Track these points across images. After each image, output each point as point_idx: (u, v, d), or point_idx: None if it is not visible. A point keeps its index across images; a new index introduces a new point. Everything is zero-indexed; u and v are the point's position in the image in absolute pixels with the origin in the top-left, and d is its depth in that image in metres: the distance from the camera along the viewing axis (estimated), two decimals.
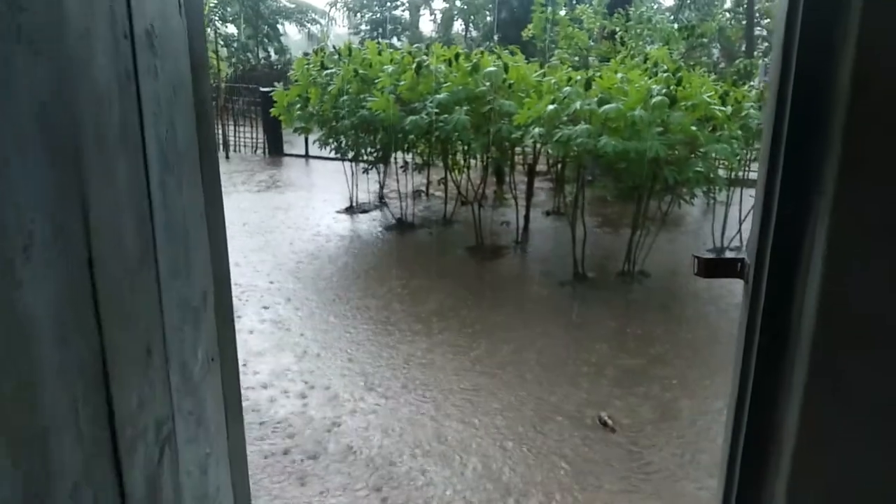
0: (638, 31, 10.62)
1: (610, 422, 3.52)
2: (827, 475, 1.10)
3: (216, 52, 24.32)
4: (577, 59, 10.21)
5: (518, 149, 7.91)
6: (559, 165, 7.50)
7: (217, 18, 22.86)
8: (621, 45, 10.40)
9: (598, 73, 5.62)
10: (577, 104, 5.01)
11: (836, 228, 1.03)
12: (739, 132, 5.39)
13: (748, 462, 1.21)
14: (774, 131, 1.14)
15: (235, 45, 24.04)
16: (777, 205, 1.13)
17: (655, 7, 16.79)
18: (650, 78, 5.76)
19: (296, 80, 8.03)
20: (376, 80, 6.93)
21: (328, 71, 7.67)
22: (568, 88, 5.31)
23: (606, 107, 4.83)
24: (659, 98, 4.89)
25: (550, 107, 5.22)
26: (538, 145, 6.43)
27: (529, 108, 5.43)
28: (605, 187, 8.02)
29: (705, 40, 12.36)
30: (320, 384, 4.05)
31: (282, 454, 3.29)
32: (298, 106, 8.01)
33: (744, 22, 22.65)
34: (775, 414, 1.16)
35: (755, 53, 20.74)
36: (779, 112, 1.13)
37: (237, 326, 4.86)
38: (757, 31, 21.67)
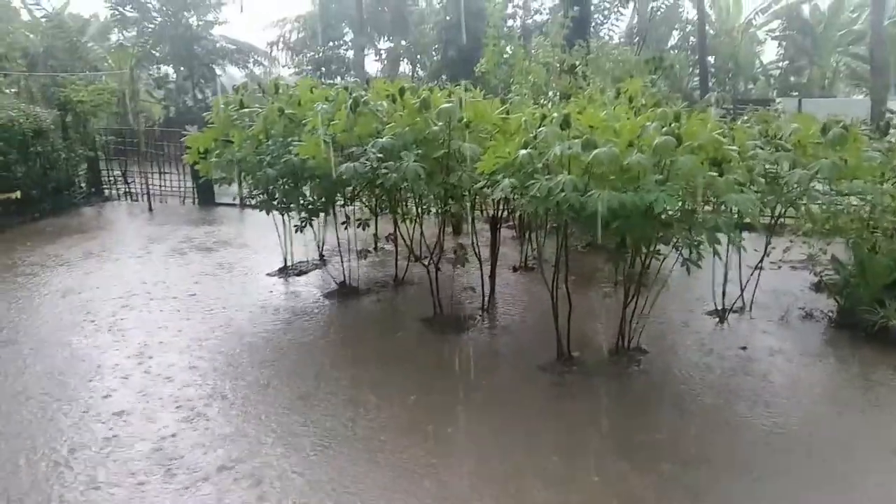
0: (600, 64, 9.77)
1: None
2: None
3: (149, 93, 22.92)
4: (538, 95, 9.26)
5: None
6: (525, 213, 6.40)
7: (147, 63, 21.46)
8: (583, 79, 9.51)
9: (578, 110, 4.57)
10: (558, 148, 3.90)
11: None
12: (763, 180, 4.39)
13: None
14: None
15: (171, 86, 22.61)
16: None
17: (612, 41, 16.26)
18: (635, 114, 4.74)
19: (210, 122, 6.75)
20: (305, 122, 5.74)
21: (246, 110, 6.44)
22: (543, 128, 4.21)
23: (600, 151, 3.73)
24: (663, 139, 3.82)
25: (523, 151, 4.10)
26: (508, 199, 5.29)
27: (496, 152, 4.30)
28: (565, 235, 6.99)
29: (657, 74, 11.64)
30: None
31: None
32: (217, 152, 6.74)
33: (694, 56, 22.51)
34: None
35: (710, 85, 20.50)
36: None
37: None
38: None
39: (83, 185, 12.34)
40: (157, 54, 22.19)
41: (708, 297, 6.05)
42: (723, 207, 4.27)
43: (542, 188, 3.90)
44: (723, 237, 4.17)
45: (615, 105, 5.17)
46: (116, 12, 21.58)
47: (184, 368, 4.83)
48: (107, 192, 12.73)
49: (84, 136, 11.98)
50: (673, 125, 4.09)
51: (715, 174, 3.95)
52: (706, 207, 4.26)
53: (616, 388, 4.47)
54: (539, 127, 4.34)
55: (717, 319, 5.77)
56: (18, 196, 9.81)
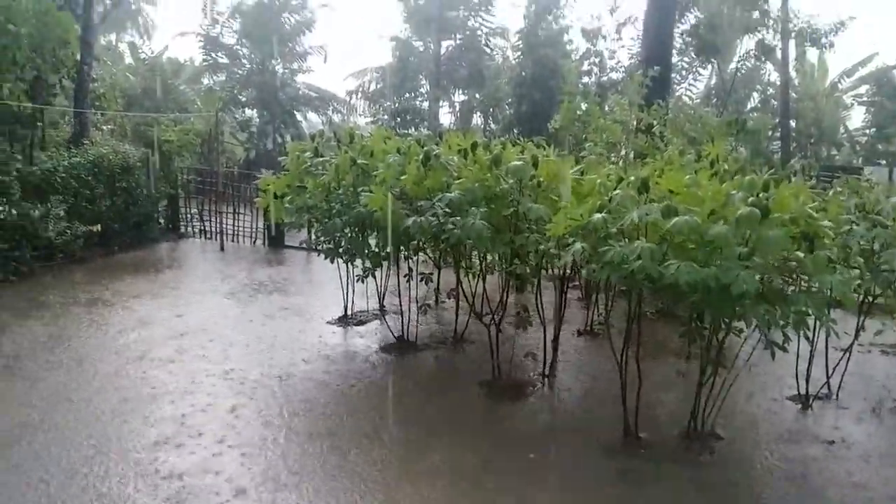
0: (678, 124, 9.50)
1: None
2: None
3: (233, 135, 23.99)
4: (611, 153, 9.07)
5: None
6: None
7: (233, 106, 22.50)
8: (660, 139, 9.26)
9: (656, 173, 4.35)
10: (635, 214, 3.69)
11: None
12: (860, 259, 4.04)
13: None
14: None
15: (253, 129, 23.57)
16: None
17: (690, 102, 15.95)
18: (720, 181, 4.47)
19: (284, 169, 6.87)
20: (376, 172, 5.73)
21: (320, 159, 6.51)
22: (619, 191, 4.02)
23: (680, 220, 3.50)
24: (747, 209, 3.56)
25: (597, 215, 3.91)
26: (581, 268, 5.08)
27: (568, 215, 4.12)
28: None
29: (739, 138, 11.19)
30: None
31: None
32: (289, 197, 6.85)
33: (775, 119, 21.84)
34: None
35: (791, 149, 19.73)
36: None
37: None
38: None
39: (161, 220, 12.82)
40: (243, 98, 23.23)
41: (790, 380, 5.60)
42: (814, 287, 3.93)
43: (617, 255, 3.68)
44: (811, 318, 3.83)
45: (697, 169, 4.91)
46: (209, 58, 22.83)
47: (227, 410, 4.77)
48: (183, 228, 13.18)
49: (167, 174, 12.51)
50: (761, 195, 3.82)
51: (802, 253, 3.63)
52: (791, 287, 3.93)
53: (687, 478, 4.09)
54: (615, 189, 4.14)
55: (801, 406, 5.30)
56: (99, 229, 10.26)
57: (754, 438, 4.71)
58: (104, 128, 17.13)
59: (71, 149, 10.91)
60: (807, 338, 4.04)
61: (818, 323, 3.93)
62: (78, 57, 11.70)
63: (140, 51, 25.17)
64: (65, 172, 9.81)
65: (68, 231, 9.46)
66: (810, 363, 5.42)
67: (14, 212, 8.65)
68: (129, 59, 25.69)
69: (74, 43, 10.93)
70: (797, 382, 5.39)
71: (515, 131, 19.88)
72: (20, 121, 10.03)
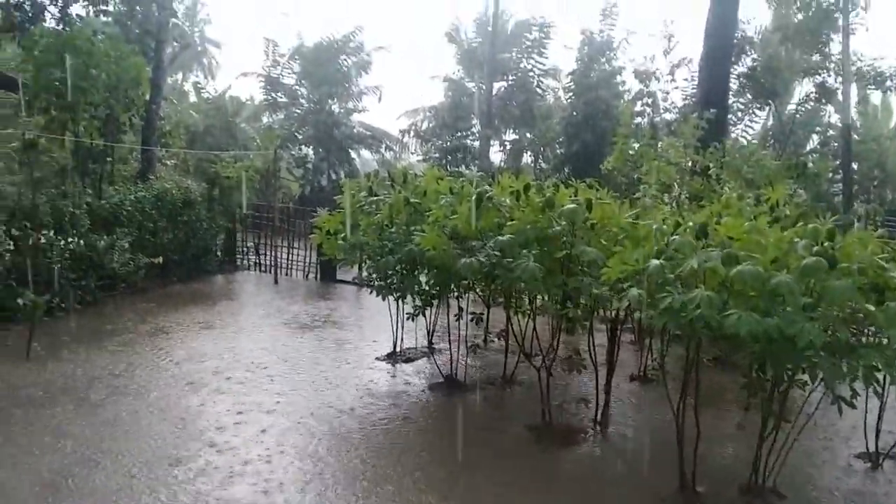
0: (735, 167, 9.32)
1: None
2: None
3: (289, 171, 24.69)
4: (663, 194, 8.95)
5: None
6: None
7: (290, 144, 23.21)
8: (716, 182, 9.10)
9: (714, 217, 4.27)
10: (695, 261, 3.62)
11: None
12: None
13: None
14: None
15: (309, 166, 24.20)
16: None
17: (747, 143, 15.65)
18: (781, 228, 4.35)
19: (339, 206, 7.03)
20: (429, 212, 5.80)
21: (374, 198, 6.63)
22: (676, 237, 3.95)
23: (744, 269, 3.42)
24: (813, 259, 3.45)
25: (654, 262, 3.84)
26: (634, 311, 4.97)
27: (624, 260, 4.07)
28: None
29: (799, 181, 10.87)
30: None
31: None
32: (342, 235, 6.98)
33: (836, 162, 21.20)
34: None
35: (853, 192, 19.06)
36: None
37: None
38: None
39: (219, 253, 13.20)
40: (300, 136, 23.96)
41: (858, 436, 5.31)
42: (884, 340, 3.75)
43: (676, 302, 3.60)
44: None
45: (756, 214, 4.80)
46: (270, 97, 23.71)
47: (275, 443, 4.80)
48: (239, 261, 13.54)
49: (226, 209, 12.93)
50: (826, 244, 3.70)
51: (871, 305, 3.48)
52: (862, 338, 3.77)
53: None
54: (672, 235, 4.07)
55: (870, 465, 5.01)
56: (161, 261, 10.63)
57: (819, 498, 4.47)
58: (168, 163, 17.90)
59: (137, 183, 11.42)
60: (876, 392, 3.84)
61: (892, 383, 3.73)
62: (147, 97, 12.32)
63: (204, 90, 26.34)
64: (131, 206, 10.24)
65: (132, 262, 9.82)
66: (880, 418, 5.14)
67: (82, 243, 9.05)
68: (193, 98, 26.91)
69: (145, 84, 11.52)
70: (866, 439, 5.11)
71: (566, 171, 19.83)
72: (92, 156, 10.56)
